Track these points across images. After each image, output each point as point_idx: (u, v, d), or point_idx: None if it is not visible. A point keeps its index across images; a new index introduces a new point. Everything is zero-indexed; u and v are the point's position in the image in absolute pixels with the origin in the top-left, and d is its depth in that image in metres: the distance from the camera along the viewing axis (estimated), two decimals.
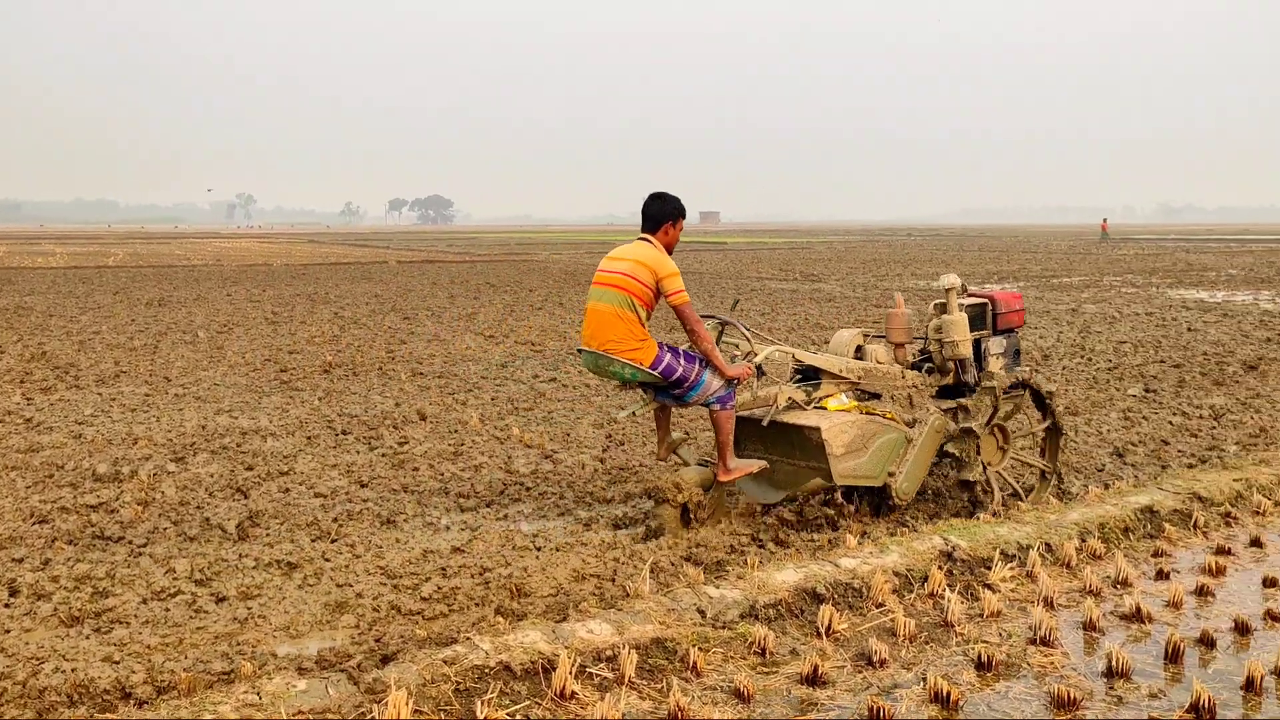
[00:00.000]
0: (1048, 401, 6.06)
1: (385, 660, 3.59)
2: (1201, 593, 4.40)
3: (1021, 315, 6.32)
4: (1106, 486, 6.04)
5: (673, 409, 5.67)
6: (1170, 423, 8.23)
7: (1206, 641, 3.85)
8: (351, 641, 4.06)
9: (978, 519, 5.20)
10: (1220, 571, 4.64)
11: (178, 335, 14.38)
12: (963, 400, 5.68)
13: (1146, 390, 9.68)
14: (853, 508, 5.61)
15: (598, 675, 3.49)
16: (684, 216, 5.48)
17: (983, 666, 3.65)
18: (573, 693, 3.35)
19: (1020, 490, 5.99)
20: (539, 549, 5.19)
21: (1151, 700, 3.42)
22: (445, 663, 3.38)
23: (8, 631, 4.16)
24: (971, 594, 4.36)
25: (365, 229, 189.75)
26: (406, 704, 3.11)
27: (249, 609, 4.42)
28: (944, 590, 4.31)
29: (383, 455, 7.20)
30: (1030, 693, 3.48)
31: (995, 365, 6.09)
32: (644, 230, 5.44)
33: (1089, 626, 4.01)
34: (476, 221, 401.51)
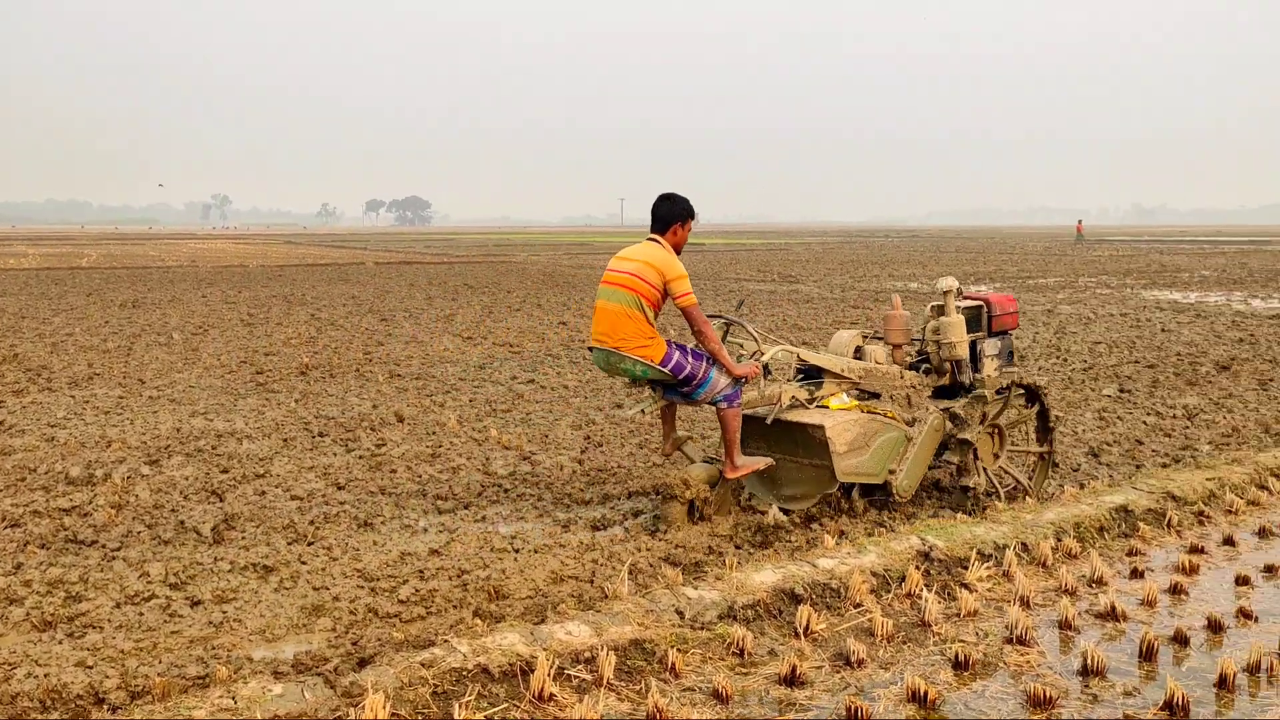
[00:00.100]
0: (1040, 395, 6.21)
1: (362, 663, 3.57)
2: (1175, 591, 4.44)
3: (1015, 318, 6.47)
4: (1082, 486, 6.09)
5: (677, 407, 5.77)
6: (1144, 423, 8.30)
7: (1180, 639, 3.89)
8: (328, 645, 4.03)
9: (955, 519, 5.24)
10: (1194, 570, 4.69)
11: (152, 337, 14.26)
12: (956, 410, 5.77)
13: (1121, 390, 9.76)
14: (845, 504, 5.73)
15: (576, 677, 3.49)
16: (693, 217, 5.54)
17: (960, 666, 3.67)
18: (551, 695, 3.35)
19: (1023, 479, 6.18)
20: (517, 551, 5.17)
21: (1126, 698, 3.45)
22: (423, 665, 3.37)
23: None
24: (949, 594, 4.38)
25: (342, 230, 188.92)
26: (384, 707, 3.10)
27: (224, 613, 4.38)
28: (921, 590, 4.33)
29: (360, 457, 7.16)
30: (1007, 692, 3.50)
31: (990, 366, 6.22)
32: (653, 231, 5.49)
33: (1065, 625, 4.04)
34: (454, 223, 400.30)
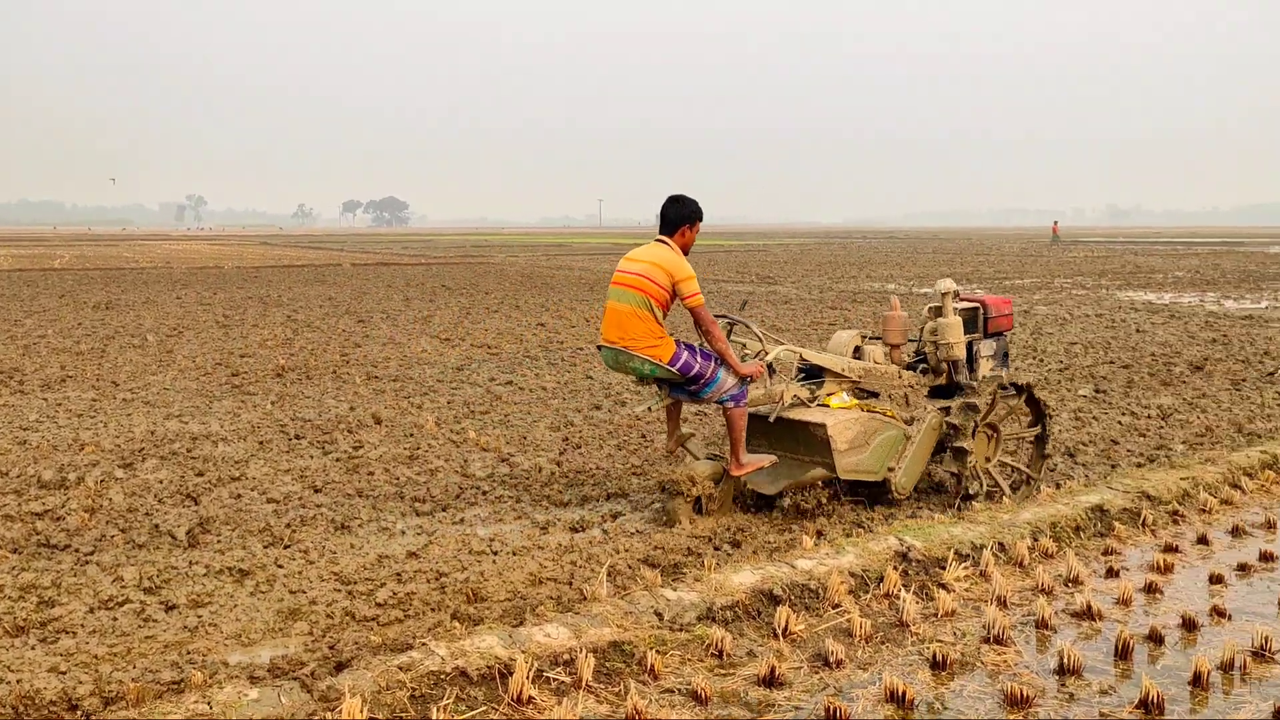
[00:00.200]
0: (1032, 392, 6.33)
1: (339, 667, 3.55)
2: (1150, 590, 4.47)
3: (1010, 319, 6.64)
4: (1058, 486, 6.13)
5: (682, 405, 5.90)
6: (1119, 423, 8.37)
7: (1155, 638, 3.92)
8: (305, 649, 4.01)
9: (933, 519, 5.26)
10: (1168, 569, 4.73)
11: (126, 339, 14.14)
12: (952, 421, 5.87)
13: (1097, 391, 9.83)
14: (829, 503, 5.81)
15: (555, 679, 3.48)
16: (701, 219, 5.65)
17: (937, 666, 3.68)
18: (530, 697, 3.34)
19: (1024, 468, 6.35)
20: (495, 553, 5.16)
21: (1102, 697, 3.47)
22: (400, 669, 3.35)
23: None
24: (926, 594, 4.40)
25: (319, 231, 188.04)
26: (361, 711, 3.08)
27: (199, 617, 4.34)
28: (899, 590, 4.35)
29: (337, 460, 7.13)
30: (984, 691, 3.52)
31: (985, 366, 6.39)
32: (661, 232, 5.61)
33: (1041, 625, 4.06)
34: (432, 223, 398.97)
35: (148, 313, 17.96)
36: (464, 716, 3.22)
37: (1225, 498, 5.86)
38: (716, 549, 5.21)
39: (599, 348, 5.65)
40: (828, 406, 5.81)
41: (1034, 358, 12.06)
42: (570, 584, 4.67)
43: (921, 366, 6.36)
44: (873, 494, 5.90)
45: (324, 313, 17.98)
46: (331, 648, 3.98)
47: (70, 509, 5.85)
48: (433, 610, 4.40)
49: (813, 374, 6.04)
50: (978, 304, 6.45)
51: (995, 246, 58.91)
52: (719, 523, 5.55)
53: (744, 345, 5.94)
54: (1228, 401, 9.26)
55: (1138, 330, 14.84)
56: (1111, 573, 4.71)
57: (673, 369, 5.38)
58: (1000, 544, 4.90)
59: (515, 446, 7.53)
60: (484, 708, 3.29)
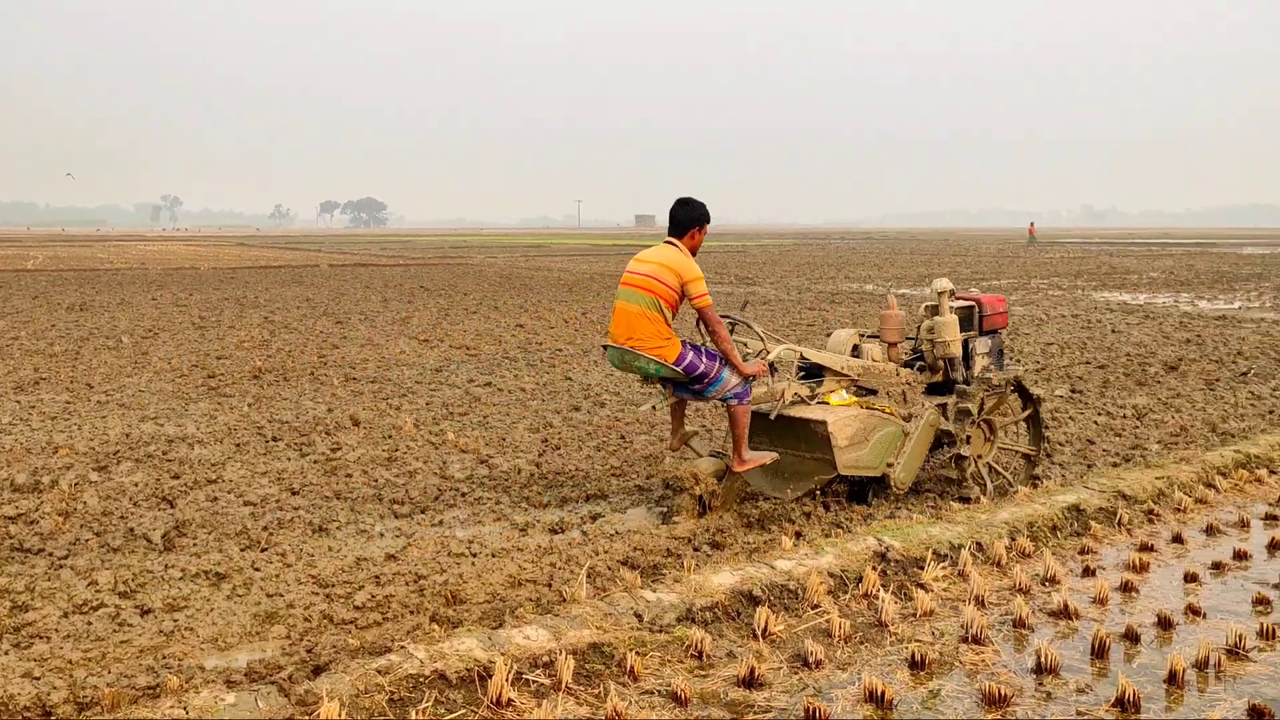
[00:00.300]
0: (1020, 383, 6.48)
1: (317, 671, 3.53)
2: (1126, 589, 4.51)
3: (1005, 317, 6.78)
4: (1035, 486, 6.17)
5: (686, 403, 6.03)
6: (1095, 422, 8.43)
7: (1131, 636, 3.95)
8: (282, 653, 3.98)
9: (911, 519, 5.29)
10: (1144, 568, 4.76)
11: (100, 341, 14.01)
12: (949, 429, 6.04)
13: (1073, 391, 9.90)
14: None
15: (534, 682, 3.47)
16: (709, 222, 5.76)
17: (916, 665, 3.70)
18: (509, 700, 3.33)
19: (1026, 451, 6.59)
20: (475, 555, 5.14)
21: (1079, 695, 3.49)
22: (379, 672, 3.33)
23: None
24: (905, 594, 4.42)
25: (296, 232, 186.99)
26: (339, 715, 3.07)
27: (175, 621, 4.31)
28: (878, 590, 4.36)
29: (314, 462, 7.08)
30: (962, 691, 3.53)
31: (980, 364, 6.54)
32: (670, 234, 5.72)
33: (1019, 624, 4.09)
34: (410, 224, 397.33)
35: (123, 314, 17.82)
36: None
37: (1200, 497, 5.92)
38: (696, 550, 5.22)
39: (604, 348, 5.75)
40: (828, 404, 5.92)
41: (1011, 358, 12.13)
42: (550, 586, 4.66)
43: (919, 364, 6.49)
44: (859, 491, 6.03)
45: (301, 314, 17.88)
46: (309, 651, 3.96)
47: (44, 513, 5.79)
48: (411, 613, 4.38)
49: (813, 372, 6.16)
50: (973, 302, 6.60)
51: (972, 247, 59.26)
52: (722, 519, 5.62)
53: (745, 344, 6.04)
54: (1202, 401, 9.34)
55: (1113, 331, 14.96)
56: (1088, 572, 4.75)
57: (678, 369, 5.47)
58: (978, 544, 4.93)
59: (494, 448, 7.51)
60: (463, 711, 3.28)
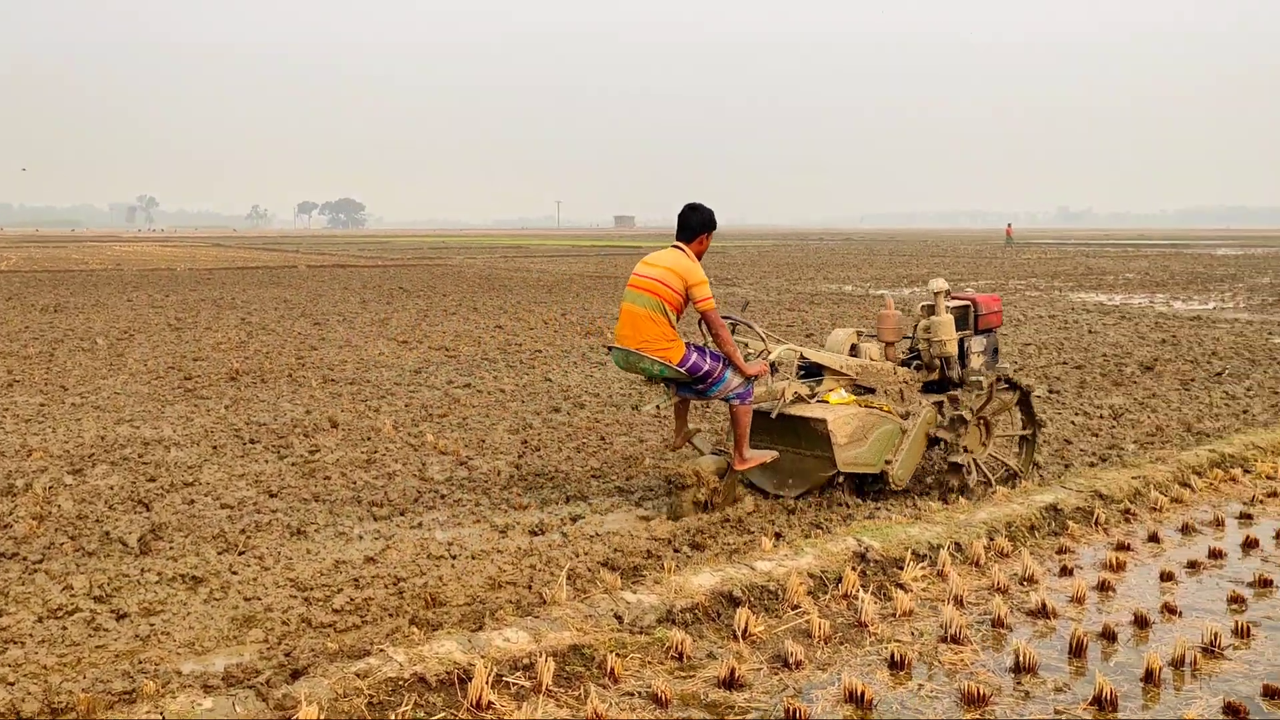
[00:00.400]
0: (1018, 384, 6.63)
1: (295, 675, 3.51)
2: (1103, 588, 4.54)
3: (1000, 316, 6.87)
4: (1013, 486, 6.21)
5: (689, 403, 6.14)
6: (1072, 422, 8.49)
7: (1108, 635, 3.98)
8: (260, 657, 3.95)
9: (891, 520, 5.31)
10: (1120, 567, 4.80)
11: (75, 342, 13.88)
12: (943, 436, 6.17)
13: (1050, 391, 9.97)
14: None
15: (515, 684, 3.46)
16: (715, 228, 5.90)
17: (896, 665, 3.71)
18: (489, 703, 3.32)
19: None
20: (454, 557, 5.12)
21: (1057, 694, 3.51)
22: (358, 676, 3.32)
23: None
24: (884, 594, 4.43)
25: (273, 232, 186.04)
26: (318, 719, 3.04)
27: (151, 625, 4.27)
28: (858, 591, 4.38)
29: (292, 464, 7.04)
30: (942, 690, 3.55)
31: (976, 362, 6.62)
32: (678, 238, 5.86)
33: (997, 623, 4.11)
34: (389, 225, 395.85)
35: (98, 315, 17.66)
36: None
37: (1176, 496, 5.97)
38: (676, 551, 5.22)
39: (609, 349, 5.86)
40: (827, 403, 6.00)
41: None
42: (530, 587, 4.65)
43: (915, 362, 6.58)
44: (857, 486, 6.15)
45: (279, 315, 17.78)
46: (287, 655, 3.93)
47: (18, 516, 5.73)
48: (390, 616, 4.36)
49: (812, 371, 6.27)
50: (969, 302, 6.69)
51: (950, 248, 59.56)
52: (700, 521, 5.64)
53: (746, 345, 6.14)
54: (1177, 401, 9.43)
55: (1090, 331, 15.07)
56: (1066, 571, 4.78)
57: (682, 370, 5.59)
58: (957, 544, 4.95)
59: (474, 449, 7.49)
60: (443, 714, 3.27)
